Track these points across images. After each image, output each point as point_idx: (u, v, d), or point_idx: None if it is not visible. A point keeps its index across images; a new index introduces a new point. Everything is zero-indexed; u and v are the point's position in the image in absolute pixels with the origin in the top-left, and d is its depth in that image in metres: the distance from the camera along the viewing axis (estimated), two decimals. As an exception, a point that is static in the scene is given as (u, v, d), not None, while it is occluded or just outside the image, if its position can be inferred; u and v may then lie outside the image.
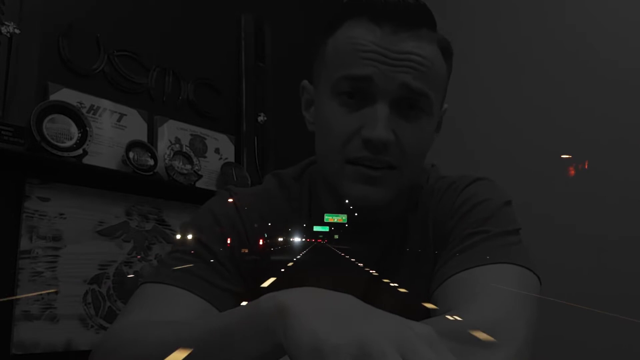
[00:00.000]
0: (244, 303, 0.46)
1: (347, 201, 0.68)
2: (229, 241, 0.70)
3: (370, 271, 0.71)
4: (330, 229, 0.72)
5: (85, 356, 0.61)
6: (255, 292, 0.47)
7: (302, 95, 0.77)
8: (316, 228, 0.73)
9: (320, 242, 0.72)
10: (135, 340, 0.54)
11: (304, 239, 0.73)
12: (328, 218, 0.72)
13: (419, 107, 0.66)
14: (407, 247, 0.73)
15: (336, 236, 0.72)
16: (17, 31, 1.39)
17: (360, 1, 0.67)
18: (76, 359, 1.44)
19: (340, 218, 0.72)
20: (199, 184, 1.77)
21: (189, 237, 0.70)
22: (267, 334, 0.40)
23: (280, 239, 0.73)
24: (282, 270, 0.70)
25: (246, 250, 0.71)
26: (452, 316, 0.53)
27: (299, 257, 0.71)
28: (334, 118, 0.67)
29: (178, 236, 0.73)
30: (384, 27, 0.64)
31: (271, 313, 0.40)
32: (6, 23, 1.38)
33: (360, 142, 0.65)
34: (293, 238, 0.73)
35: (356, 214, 0.69)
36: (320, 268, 0.70)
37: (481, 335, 0.52)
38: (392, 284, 0.70)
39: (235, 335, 0.43)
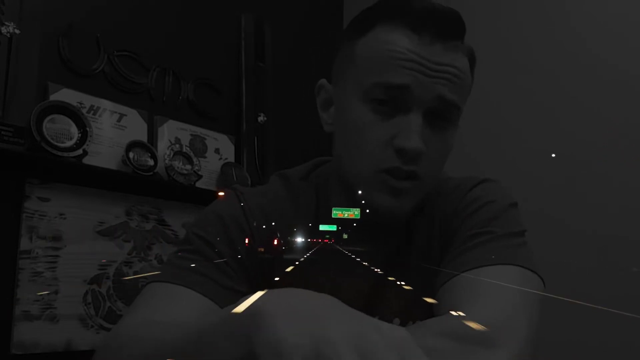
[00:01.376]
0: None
1: (367, 211, 0.67)
2: (234, 241, 0.70)
3: (377, 270, 0.71)
4: (337, 228, 0.71)
5: (86, 356, 0.61)
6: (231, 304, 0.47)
7: (318, 94, 0.76)
8: (322, 227, 0.72)
9: (327, 242, 0.72)
10: (136, 340, 0.54)
11: (309, 240, 0.72)
12: (337, 213, 0.70)
13: (449, 118, 0.66)
14: (413, 248, 0.73)
15: (345, 236, 0.71)
16: (17, 31, 1.39)
17: (396, 5, 0.66)
18: (76, 359, 1.44)
19: (352, 213, 0.70)
20: (199, 184, 1.77)
21: (195, 236, 0.70)
22: (241, 337, 0.39)
23: (287, 238, 0.73)
24: (287, 270, 0.70)
25: (252, 250, 0.70)
26: (454, 316, 0.53)
27: (304, 257, 0.71)
28: (365, 125, 0.65)
29: (183, 236, 0.72)
30: (422, 36, 0.63)
31: (245, 315, 0.39)
32: (6, 23, 1.38)
33: (393, 152, 0.64)
34: (299, 238, 0.73)
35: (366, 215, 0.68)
36: (326, 268, 0.70)
37: (483, 335, 0.52)
38: (398, 282, 0.70)
39: (210, 338, 0.42)
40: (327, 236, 0.72)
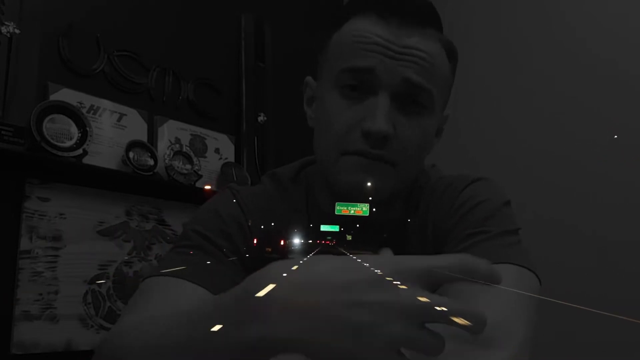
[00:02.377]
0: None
1: (340, 194, 0.67)
2: (232, 236, 0.70)
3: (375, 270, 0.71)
4: (340, 228, 0.71)
5: (85, 356, 0.60)
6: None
7: (304, 91, 0.77)
8: (324, 227, 0.71)
9: (327, 244, 0.71)
10: (140, 335, 0.54)
11: (309, 241, 0.72)
12: (341, 209, 0.68)
13: (420, 102, 0.66)
14: (407, 248, 0.72)
15: (349, 237, 0.69)
16: (17, 31, 1.39)
17: None
18: (76, 359, 1.44)
19: (359, 209, 0.67)
20: (199, 184, 1.77)
21: (193, 232, 0.70)
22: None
23: (287, 238, 0.73)
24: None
25: (250, 246, 0.70)
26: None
27: (305, 258, 0.71)
28: (334, 110, 0.66)
29: (181, 233, 0.72)
30: (390, 21, 0.65)
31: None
32: (6, 23, 1.38)
33: (360, 134, 0.64)
34: (296, 239, 0.72)
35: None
36: None
37: (481, 335, 0.52)
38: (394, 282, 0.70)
39: (220, 319, 0.43)
40: (329, 237, 0.71)
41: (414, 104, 0.66)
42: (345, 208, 0.69)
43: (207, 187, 1.68)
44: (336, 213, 0.68)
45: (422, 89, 0.65)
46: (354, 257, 0.42)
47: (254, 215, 0.72)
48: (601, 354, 1.58)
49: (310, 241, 0.71)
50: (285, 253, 0.71)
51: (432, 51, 0.66)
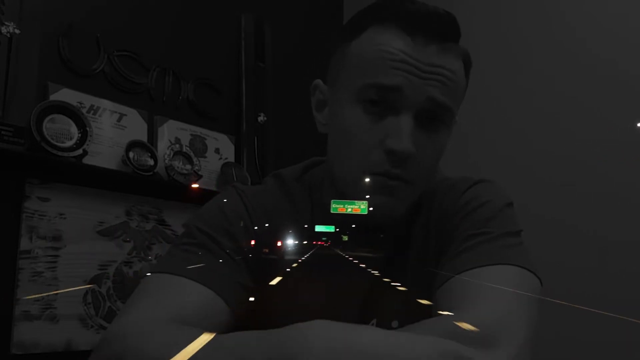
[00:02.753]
0: (251, 299, 0.45)
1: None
2: (237, 235, 0.69)
3: (373, 272, 0.71)
4: (335, 229, 0.71)
5: (86, 356, 0.60)
6: (261, 287, 0.47)
7: (313, 94, 0.75)
8: (318, 228, 0.71)
9: (322, 244, 0.71)
10: (144, 338, 0.53)
11: (306, 242, 0.72)
12: (337, 207, 0.67)
13: (441, 120, 0.66)
14: (409, 249, 0.72)
15: (345, 237, 0.69)
16: (17, 31, 1.39)
17: (390, 7, 0.66)
18: (76, 359, 1.44)
19: (357, 207, 0.66)
20: (198, 184, 1.77)
21: (197, 230, 0.69)
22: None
23: (286, 238, 0.72)
24: (288, 270, 0.70)
25: (254, 246, 0.70)
26: (453, 317, 0.53)
27: (301, 260, 0.70)
28: (356, 126, 0.65)
29: (185, 229, 0.72)
30: (415, 38, 0.63)
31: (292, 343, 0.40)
32: (6, 23, 1.38)
33: (383, 154, 0.64)
34: (296, 240, 0.72)
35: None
36: (324, 269, 0.69)
37: (482, 336, 0.52)
38: (393, 284, 0.70)
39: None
40: (324, 238, 0.71)
41: (434, 121, 0.66)
42: (342, 206, 0.68)
43: (194, 185, 1.68)
44: (332, 211, 0.67)
45: (446, 108, 0.65)
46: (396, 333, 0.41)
47: (258, 215, 0.72)
48: (601, 354, 1.58)
49: (310, 242, 0.71)
50: (288, 252, 0.71)
51: (456, 69, 0.65)
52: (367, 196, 0.65)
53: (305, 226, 0.72)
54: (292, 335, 0.40)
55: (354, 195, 0.66)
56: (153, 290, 0.64)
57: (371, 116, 0.65)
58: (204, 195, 1.70)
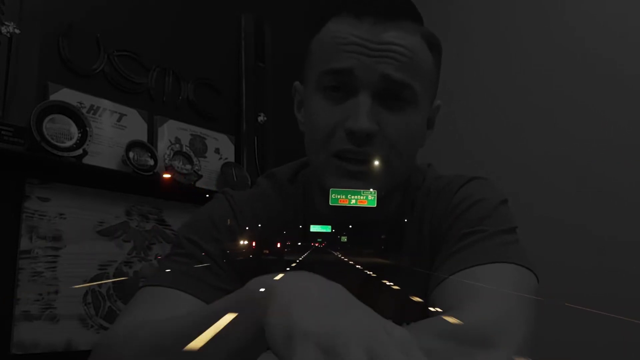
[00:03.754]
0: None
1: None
2: (225, 242, 0.70)
3: (367, 272, 0.71)
4: (332, 229, 0.70)
5: (86, 356, 0.61)
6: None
7: (294, 96, 0.77)
8: (314, 228, 0.71)
9: (317, 246, 0.70)
10: (137, 338, 0.55)
11: (299, 243, 0.72)
12: (338, 198, 0.64)
13: (403, 98, 0.66)
14: (404, 248, 0.72)
15: (344, 238, 0.69)
16: (17, 31, 1.39)
17: None
18: (76, 359, 1.44)
19: (363, 198, 0.64)
20: (198, 184, 1.77)
21: (186, 240, 0.71)
22: (252, 318, 0.41)
23: (277, 242, 0.73)
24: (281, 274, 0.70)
25: (243, 252, 0.71)
26: (450, 316, 0.53)
27: (295, 264, 0.70)
28: (318, 111, 0.67)
29: (175, 239, 0.73)
30: (365, 20, 0.65)
31: (257, 297, 0.41)
32: (6, 23, 1.38)
33: (344, 134, 0.64)
34: (290, 241, 0.72)
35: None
36: (316, 270, 0.69)
37: (480, 335, 0.52)
38: (388, 283, 0.70)
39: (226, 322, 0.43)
40: (319, 239, 0.71)
41: (396, 99, 0.66)
42: (344, 197, 0.65)
43: (166, 175, 1.67)
44: (331, 203, 0.65)
45: (403, 84, 0.65)
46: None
47: (248, 220, 0.73)
48: (601, 354, 1.58)
49: (305, 244, 0.71)
50: (281, 255, 0.71)
51: (411, 45, 0.65)
52: (338, 183, 0.65)
53: (300, 226, 0.72)
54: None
55: (324, 179, 0.66)
56: (145, 302, 0.66)
57: (332, 101, 0.66)
58: (203, 195, 1.70)
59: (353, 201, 0.65)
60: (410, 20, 0.66)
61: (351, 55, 0.64)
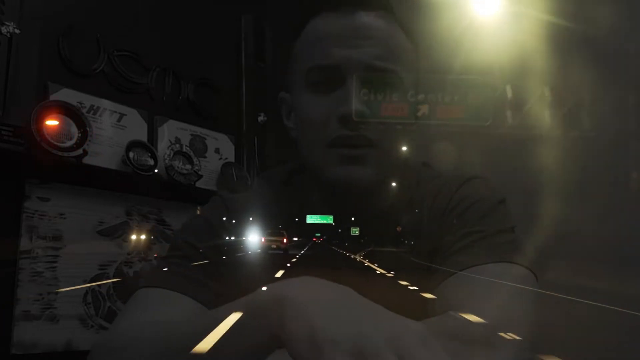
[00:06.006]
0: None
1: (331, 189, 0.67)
2: (221, 244, 0.71)
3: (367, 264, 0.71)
4: (334, 220, 0.71)
5: (85, 356, 0.61)
6: (248, 294, 0.48)
7: (281, 106, 0.78)
8: (310, 218, 0.72)
9: (315, 241, 0.71)
10: (138, 342, 0.55)
11: (296, 238, 0.73)
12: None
13: (390, 84, 0.67)
14: (403, 247, 0.73)
15: (356, 231, 0.70)
16: (17, 31, 1.39)
17: None
18: (76, 359, 1.44)
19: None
20: (199, 184, 1.77)
21: (183, 242, 0.71)
22: (263, 324, 0.41)
23: (277, 241, 0.73)
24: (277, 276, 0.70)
25: (239, 253, 0.72)
26: (453, 315, 0.54)
27: (294, 260, 0.71)
28: (309, 105, 0.69)
29: (171, 242, 0.75)
30: (343, 15, 0.67)
31: (268, 304, 0.41)
32: (6, 23, 1.38)
33: (337, 122, 0.66)
34: (288, 237, 0.73)
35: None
36: (316, 266, 0.70)
37: (483, 334, 0.52)
38: (387, 274, 0.70)
39: (232, 327, 0.43)
40: (317, 234, 0.72)
41: (383, 85, 0.66)
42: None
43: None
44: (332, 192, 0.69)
45: (387, 71, 0.66)
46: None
47: (244, 221, 0.73)
48: (601, 354, 1.58)
49: (302, 239, 0.72)
50: (285, 252, 0.72)
51: (388, 33, 0.68)
52: (337, 170, 0.66)
53: (297, 220, 0.73)
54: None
55: (322, 171, 0.67)
56: (143, 304, 0.66)
57: (321, 94, 0.68)
58: (203, 194, 1.70)
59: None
60: (384, 10, 0.69)
61: (334, 51, 0.66)
